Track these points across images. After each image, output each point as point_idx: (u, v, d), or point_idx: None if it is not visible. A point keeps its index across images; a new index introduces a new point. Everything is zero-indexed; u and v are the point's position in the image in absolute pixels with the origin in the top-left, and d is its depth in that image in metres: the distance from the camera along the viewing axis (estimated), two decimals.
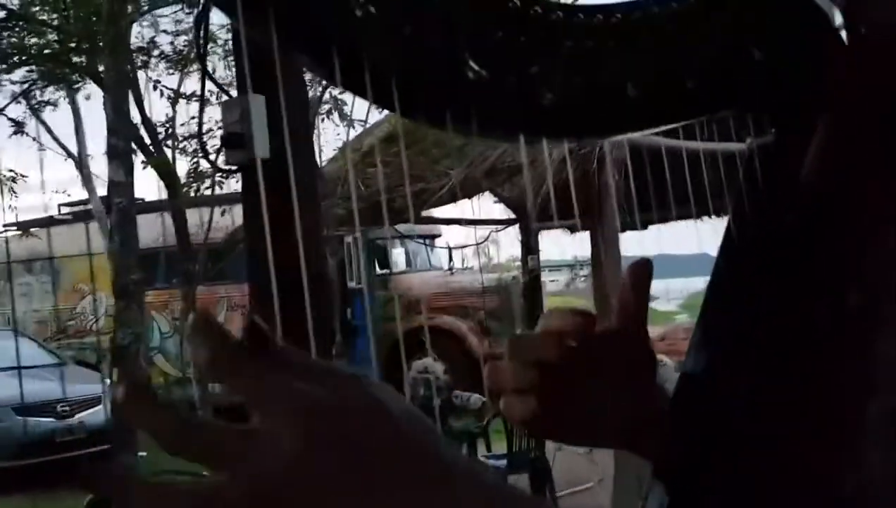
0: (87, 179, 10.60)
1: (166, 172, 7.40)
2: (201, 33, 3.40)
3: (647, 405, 0.60)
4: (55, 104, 9.88)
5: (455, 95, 0.60)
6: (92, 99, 10.31)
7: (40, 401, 8.15)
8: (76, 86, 9.69)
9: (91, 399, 8.50)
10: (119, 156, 3.99)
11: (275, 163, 2.30)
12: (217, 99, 7.35)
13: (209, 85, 7.16)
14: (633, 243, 5.81)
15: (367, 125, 6.71)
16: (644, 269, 0.62)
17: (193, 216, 8.80)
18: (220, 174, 7.60)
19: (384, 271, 10.37)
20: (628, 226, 5.14)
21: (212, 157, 7.64)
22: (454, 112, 0.61)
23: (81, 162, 10.62)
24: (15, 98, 9.02)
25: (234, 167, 2.86)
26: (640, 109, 0.61)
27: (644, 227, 5.65)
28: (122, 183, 3.86)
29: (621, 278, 0.64)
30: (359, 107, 8.55)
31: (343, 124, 7.58)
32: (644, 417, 0.59)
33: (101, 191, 10.18)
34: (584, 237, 6.06)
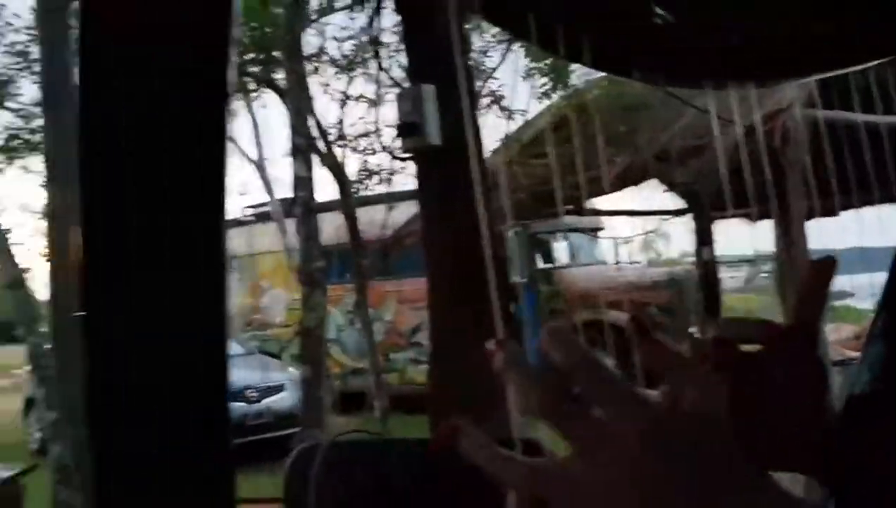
0: (266, 183, 11.35)
1: (338, 171, 7.78)
2: (374, 26, 3.55)
3: (815, 421, 0.55)
4: (235, 113, 10.62)
5: (642, 42, 0.59)
6: (267, 107, 11.03)
7: (232, 388, 8.83)
8: (254, 94, 10.41)
9: (276, 386, 9.15)
10: (301, 153, 4.28)
11: (447, 152, 2.36)
12: (377, 101, 7.66)
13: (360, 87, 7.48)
14: (824, 233, 5.27)
15: (528, 116, 6.70)
16: (825, 268, 0.55)
17: (363, 214, 9.19)
18: (392, 168, 7.87)
19: (547, 265, 10.30)
20: (819, 213, 4.72)
21: (379, 153, 7.97)
22: (642, 60, 0.60)
23: (261, 166, 11.36)
24: None
25: (409, 155, 2.96)
26: (826, 48, 0.57)
27: (837, 213, 5.16)
28: (304, 178, 4.13)
29: (801, 276, 0.58)
30: (519, 98, 8.54)
31: (504, 116, 7.63)
32: (812, 434, 0.55)
33: (279, 193, 10.87)
34: (765, 227, 5.65)
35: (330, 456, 1.34)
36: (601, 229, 10.92)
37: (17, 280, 4.56)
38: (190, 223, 0.71)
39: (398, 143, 3.08)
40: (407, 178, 7.38)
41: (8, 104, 7.87)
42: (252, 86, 8.67)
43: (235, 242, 12.52)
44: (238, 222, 13.10)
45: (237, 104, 10.52)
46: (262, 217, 12.46)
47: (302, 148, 4.30)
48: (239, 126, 10.89)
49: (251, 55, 7.74)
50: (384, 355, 10.00)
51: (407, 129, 2.64)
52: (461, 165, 2.74)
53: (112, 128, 0.69)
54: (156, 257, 0.71)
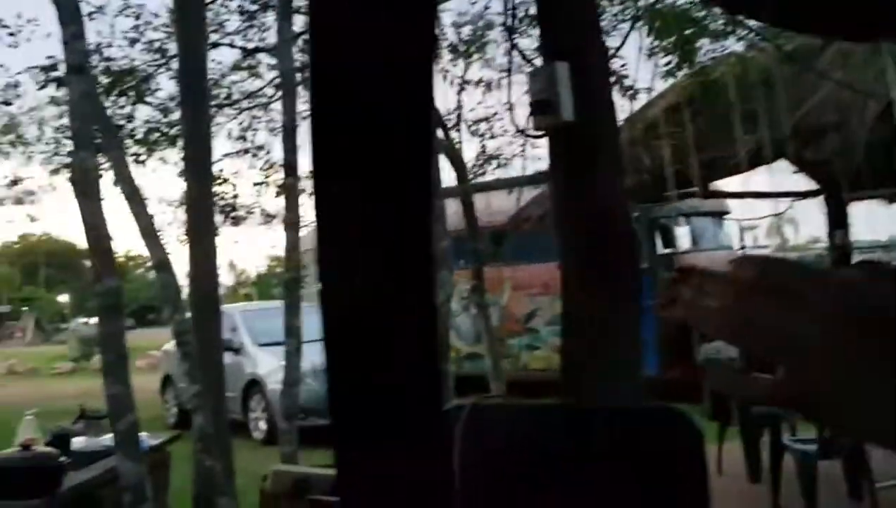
0: None
1: (455, 157, 7.86)
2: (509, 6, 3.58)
3: None
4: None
5: None
6: None
7: None
8: None
9: None
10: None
11: (581, 130, 2.35)
12: (494, 85, 7.64)
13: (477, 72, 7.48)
14: None
15: (652, 95, 6.54)
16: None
17: (478, 200, 9.24)
18: (509, 153, 7.87)
19: (668, 250, 10.04)
20: None
21: (497, 137, 7.97)
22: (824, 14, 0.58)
23: None
24: None
25: (541, 134, 2.98)
26: None
27: None
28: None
29: None
30: (643, 77, 8.33)
31: (626, 96, 7.47)
32: None
33: None
34: None
35: (476, 417, 1.38)
36: (726, 212, 10.53)
37: (163, 263, 4.85)
38: (402, 210, 0.78)
39: (516, 127, 3.10)
40: (523, 163, 7.36)
41: (148, 99, 8.40)
42: None
43: None
44: None
45: None
46: None
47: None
48: None
49: None
50: (499, 340, 10.06)
51: (540, 107, 2.65)
52: (595, 143, 2.73)
53: (337, 130, 0.77)
54: (375, 239, 0.79)
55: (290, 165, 5.20)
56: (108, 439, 4.32)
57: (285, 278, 5.37)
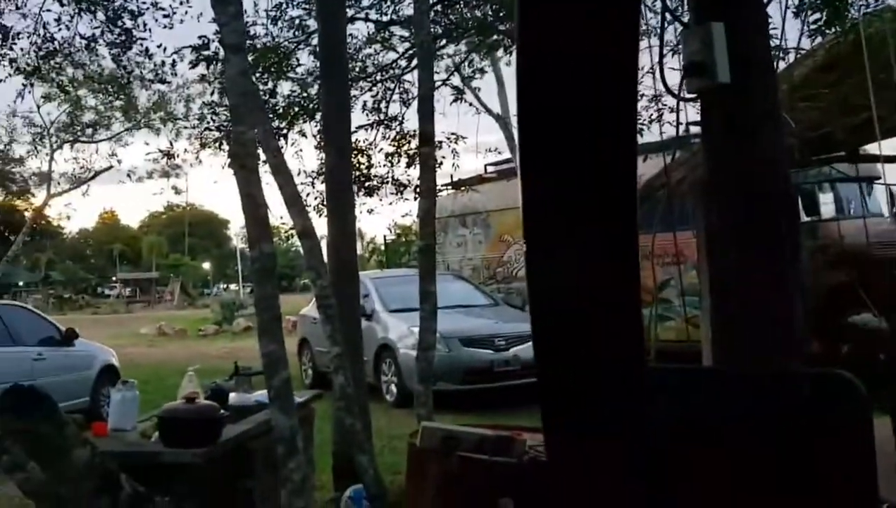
0: (510, 140, 11.59)
1: None
2: None
3: None
4: (482, 71, 10.89)
5: None
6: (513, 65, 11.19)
7: (481, 335, 9.27)
8: (500, 54, 10.63)
9: (523, 336, 9.44)
10: None
11: (736, 91, 2.29)
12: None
13: None
14: None
15: (799, 55, 6.18)
16: None
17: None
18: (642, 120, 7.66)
19: (811, 217, 9.49)
20: None
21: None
22: None
23: (505, 123, 11.62)
24: (457, 68, 10.19)
25: (693, 97, 2.91)
26: None
27: None
28: None
29: None
30: (789, 36, 7.85)
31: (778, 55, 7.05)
32: None
33: None
34: None
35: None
36: (876, 177, 9.84)
37: (307, 230, 5.04)
38: (608, 207, 0.80)
39: (667, 89, 3.01)
40: (660, 128, 7.15)
41: (289, 75, 8.75)
42: (506, 42, 8.82)
43: (479, 198, 12.98)
44: (481, 179, 13.55)
45: (482, 62, 10.79)
46: (506, 174, 12.78)
47: None
48: (484, 84, 11.15)
49: (503, 12, 7.88)
50: None
51: (694, 68, 2.60)
52: (753, 104, 2.64)
53: (545, 128, 0.80)
54: (582, 235, 0.81)
55: (425, 134, 5.30)
56: (258, 395, 4.61)
57: (420, 245, 5.49)
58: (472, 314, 9.83)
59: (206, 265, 56.07)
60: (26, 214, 26.91)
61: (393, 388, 9.50)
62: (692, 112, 3.45)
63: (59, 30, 8.66)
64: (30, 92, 10.89)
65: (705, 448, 1.26)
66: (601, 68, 0.75)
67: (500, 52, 10.49)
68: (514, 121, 10.94)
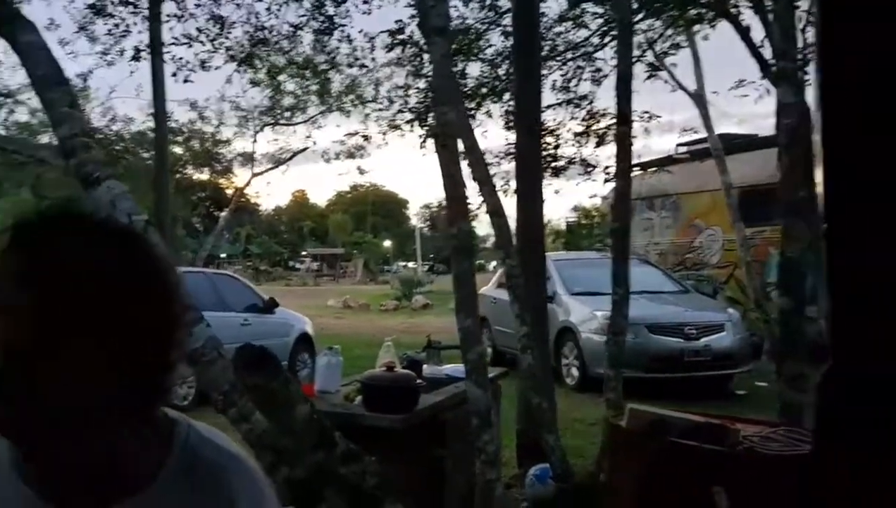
0: (705, 118, 11.05)
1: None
2: None
3: None
4: (678, 46, 10.44)
5: None
6: (711, 38, 10.64)
7: (669, 323, 8.96)
8: (696, 28, 10.13)
9: (715, 325, 9.04)
10: (787, 78, 4.07)
11: None
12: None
13: None
14: None
15: None
16: None
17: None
18: None
19: None
20: None
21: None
22: None
23: (701, 101, 11.08)
24: (650, 44, 9.84)
25: None
26: None
27: None
28: (791, 105, 3.93)
29: None
30: None
31: None
32: None
33: (721, 129, 10.49)
34: None
35: None
36: None
37: (497, 209, 5.09)
38: None
39: None
40: None
41: (479, 56, 8.85)
42: (709, 15, 8.41)
43: (669, 179, 12.50)
44: (672, 160, 13.04)
45: (679, 37, 10.34)
46: (698, 154, 12.23)
47: (788, 73, 4.08)
48: (679, 60, 10.70)
49: None
50: None
51: None
52: None
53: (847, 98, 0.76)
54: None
55: (622, 114, 5.17)
56: (448, 368, 4.73)
57: (613, 226, 5.39)
58: (660, 301, 9.52)
59: (387, 243, 58.44)
60: (228, 192, 29.28)
61: (574, 372, 9.43)
62: None
63: (269, 18, 9.29)
64: (241, 76, 11.73)
65: None
66: None
67: (695, 28, 10.02)
68: (711, 98, 10.43)
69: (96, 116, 18.94)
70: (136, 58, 10.72)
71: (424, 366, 4.64)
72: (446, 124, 4.05)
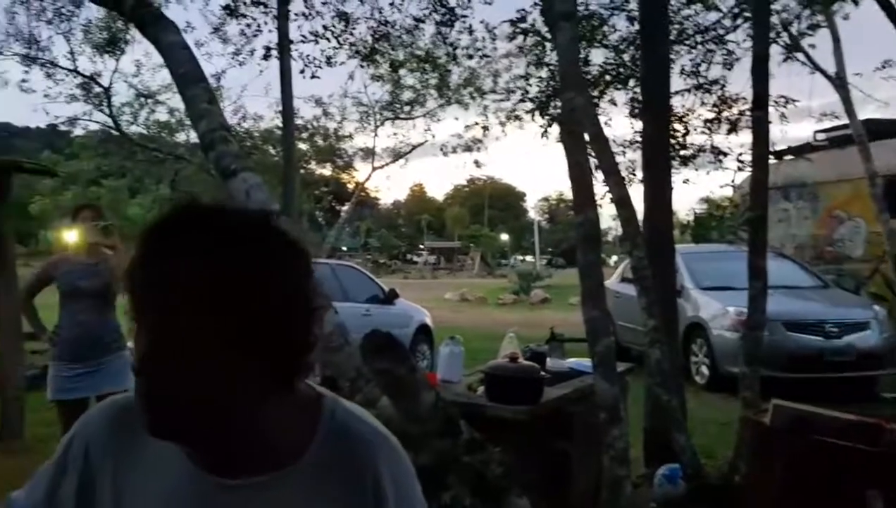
0: (847, 103, 10.35)
1: None
2: None
3: None
4: (816, 27, 9.85)
5: None
6: (852, 17, 9.95)
7: (807, 320, 8.43)
8: (836, 7, 9.50)
9: (858, 323, 8.43)
10: None
11: None
12: None
13: None
14: None
15: None
16: None
17: None
18: None
19: None
20: None
21: None
22: None
23: (842, 85, 10.39)
24: (786, 25, 9.32)
25: None
26: None
27: None
28: None
29: None
30: None
31: None
32: None
33: (864, 114, 9.81)
34: None
35: None
36: None
37: (623, 199, 4.95)
38: None
39: None
40: None
41: (602, 42, 8.63)
42: None
43: (806, 168, 11.81)
44: (810, 147, 12.32)
45: (816, 17, 9.73)
46: (839, 141, 11.48)
47: None
48: (817, 41, 10.08)
49: None
50: None
51: None
52: None
53: None
54: None
55: (758, 97, 4.88)
56: (571, 362, 4.63)
57: (749, 215, 5.10)
58: (798, 296, 8.96)
59: (504, 237, 58.46)
60: (349, 186, 30.08)
61: (703, 370, 9.05)
62: None
63: (392, 13, 9.41)
64: (364, 72, 11.93)
65: None
66: None
67: (835, 6, 9.40)
68: (853, 81, 9.77)
69: (228, 115, 19.88)
70: (265, 56, 11.15)
71: (548, 359, 4.56)
72: (573, 110, 3.94)
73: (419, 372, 2.97)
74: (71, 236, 4.55)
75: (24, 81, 16.53)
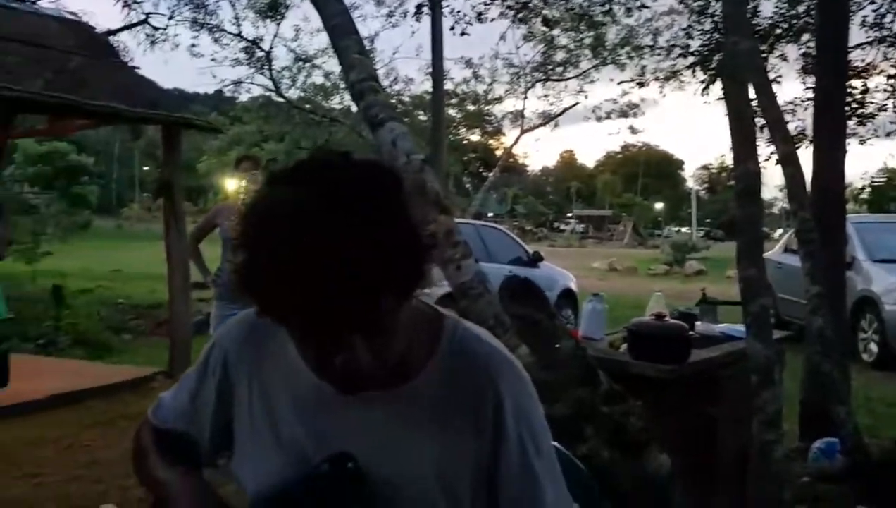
0: None
1: None
2: None
3: None
4: None
5: None
6: None
7: None
8: None
9: None
10: None
11: None
12: None
13: None
14: None
15: None
16: None
17: None
18: None
19: None
20: None
21: None
22: None
23: None
24: None
25: None
26: None
27: None
28: None
29: None
30: None
31: None
32: None
33: None
34: None
35: None
36: None
37: (789, 156, 4.70)
38: None
39: None
40: None
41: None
42: None
43: None
44: None
45: None
46: None
47: None
48: None
49: None
50: None
51: None
52: None
53: None
54: None
55: None
56: (723, 326, 4.42)
57: None
58: None
59: (658, 206, 56.57)
60: (497, 152, 30.06)
61: (872, 347, 8.42)
62: None
63: None
64: (515, 31, 11.78)
65: None
66: None
67: None
68: None
69: (380, 77, 20.39)
70: (417, 14, 11.24)
71: (697, 322, 4.39)
72: (738, 55, 3.69)
73: (558, 320, 2.91)
74: (231, 184, 4.84)
75: (193, 45, 17.67)
